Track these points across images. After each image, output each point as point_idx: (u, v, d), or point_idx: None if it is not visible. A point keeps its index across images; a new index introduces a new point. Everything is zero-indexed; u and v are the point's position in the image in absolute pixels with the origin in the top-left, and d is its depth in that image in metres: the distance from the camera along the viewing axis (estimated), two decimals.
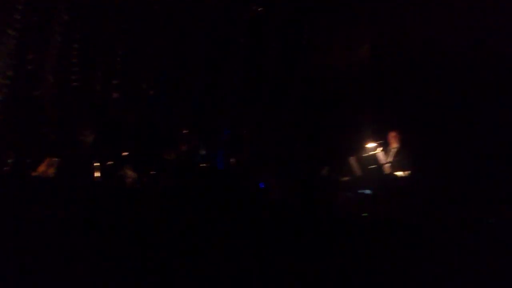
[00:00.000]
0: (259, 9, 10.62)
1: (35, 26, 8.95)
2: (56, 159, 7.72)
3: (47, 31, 9.12)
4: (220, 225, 5.14)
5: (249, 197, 7.06)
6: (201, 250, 4.62)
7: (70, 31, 9.27)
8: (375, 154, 7.94)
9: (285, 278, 4.34)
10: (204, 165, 8.79)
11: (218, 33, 10.36)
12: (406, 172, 7.59)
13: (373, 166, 7.81)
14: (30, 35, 8.86)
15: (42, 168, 7.65)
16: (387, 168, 7.78)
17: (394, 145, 7.92)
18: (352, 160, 8.14)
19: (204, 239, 4.76)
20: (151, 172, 8.26)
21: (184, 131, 8.92)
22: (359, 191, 7.83)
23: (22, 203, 5.12)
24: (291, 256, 4.72)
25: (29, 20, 8.82)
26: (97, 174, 7.71)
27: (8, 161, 7.60)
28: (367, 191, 7.74)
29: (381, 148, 7.95)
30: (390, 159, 7.82)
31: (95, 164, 7.74)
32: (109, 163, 8.13)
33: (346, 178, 8.31)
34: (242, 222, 5.47)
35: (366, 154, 8.07)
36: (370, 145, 8.18)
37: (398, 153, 7.82)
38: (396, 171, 7.69)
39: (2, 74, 8.64)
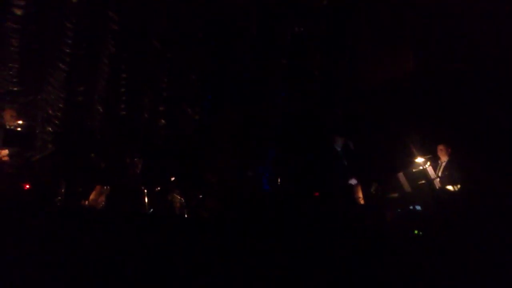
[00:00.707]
0: (300, 26, 10.64)
1: (83, 58, 9.29)
2: (106, 187, 7.94)
3: (95, 63, 9.45)
4: (267, 247, 5.13)
5: (295, 218, 6.99)
6: (251, 272, 4.61)
7: (117, 62, 9.57)
8: (424, 169, 7.75)
9: None
10: (251, 187, 8.81)
11: (260, 51, 10.43)
12: (457, 186, 7.35)
13: (423, 182, 7.60)
14: (79, 68, 9.20)
15: (92, 196, 7.88)
16: (437, 183, 7.56)
17: (444, 159, 7.70)
18: (401, 176, 7.96)
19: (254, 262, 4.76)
20: (199, 196, 8.34)
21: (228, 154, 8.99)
22: (410, 208, 7.64)
23: (74, 232, 5.27)
24: (344, 276, 4.65)
25: (77, 53, 9.18)
26: (146, 200, 7.86)
27: (61, 190, 7.86)
28: (418, 207, 7.54)
29: (430, 163, 7.75)
30: (439, 173, 7.61)
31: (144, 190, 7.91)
32: (157, 189, 8.29)
33: (395, 195, 8.13)
34: (289, 242, 5.43)
35: (415, 169, 7.88)
36: (419, 159, 7.99)
37: (447, 167, 7.60)
38: (447, 185, 7.46)
39: (53, 106, 9.00)
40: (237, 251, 4.91)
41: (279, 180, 9.16)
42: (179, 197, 8.22)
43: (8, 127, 7.99)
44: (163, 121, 9.90)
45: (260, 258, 4.81)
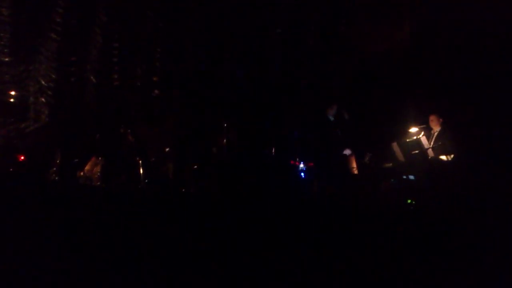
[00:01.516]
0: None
1: (76, 28, 9.17)
2: (101, 158, 7.95)
3: (87, 33, 9.33)
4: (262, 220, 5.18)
5: (290, 191, 7.05)
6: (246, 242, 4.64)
7: (109, 32, 9.45)
8: (418, 138, 7.76)
9: (335, 267, 4.30)
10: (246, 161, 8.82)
11: (256, 25, 10.33)
12: (450, 156, 7.39)
13: (416, 151, 7.63)
14: (71, 38, 9.09)
15: (88, 167, 7.90)
16: (430, 152, 7.58)
17: (436, 129, 7.72)
18: (395, 146, 7.98)
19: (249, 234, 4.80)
20: (194, 167, 8.35)
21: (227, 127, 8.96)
22: (403, 177, 7.68)
23: (68, 201, 5.30)
24: (338, 245, 4.69)
25: (69, 24, 9.05)
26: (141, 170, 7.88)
27: (56, 161, 7.87)
28: (411, 177, 7.58)
29: (423, 132, 7.77)
30: (432, 143, 7.63)
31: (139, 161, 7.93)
32: (152, 159, 8.31)
33: (389, 165, 8.16)
34: (284, 214, 5.48)
35: (409, 139, 7.90)
36: (413, 129, 8.00)
37: (440, 137, 7.62)
38: (440, 155, 7.49)
39: (45, 77, 8.93)
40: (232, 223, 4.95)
41: (273, 150, 9.18)
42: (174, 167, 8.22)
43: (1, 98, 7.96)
44: (156, 91, 9.83)
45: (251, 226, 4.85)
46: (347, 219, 5.55)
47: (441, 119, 7.71)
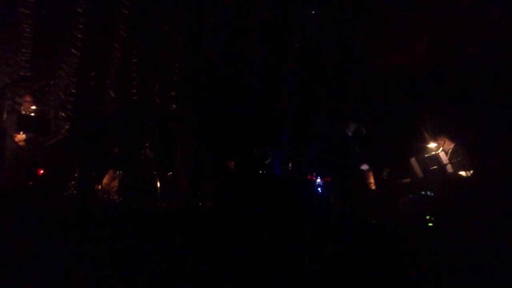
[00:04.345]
0: (314, 12, 10.59)
1: (95, 44, 9.31)
2: (119, 172, 8.01)
3: (107, 48, 9.46)
4: (278, 230, 5.16)
5: (306, 203, 7.00)
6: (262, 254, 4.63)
7: (128, 47, 9.57)
8: (437, 154, 7.69)
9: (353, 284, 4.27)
10: (263, 171, 8.82)
11: (271, 34, 10.40)
12: (469, 172, 7.30)
13: (435, 167, 7.55)
14: (91, 53, 9.22)
15: (105, 181, 7.95)
16: (449, 168, 7.50)
17: (456, 144, 7.64)
18: (413, 161, 7.91)
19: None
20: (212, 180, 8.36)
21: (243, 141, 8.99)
22: (422, 193, 7.60)
23: (86, 215, 5.34)
24: (355, 261, 4.65)
25: (89, 39, 9.19)
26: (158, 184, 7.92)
27: (74, 175, 7.95)
28: (429, 193, 7.50)
29: (442, 148, 7.69)
30: (452, 158, 7.54)
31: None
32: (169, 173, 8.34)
33: (407, 180, 8.09)
34: (300, 226, 5.45)
35: (428, 155, 7.83)
36: (431, 145, 7.93)
37: (459, 152, 7.53)
38: (459, 170, 7.41)
39: (66, 91, 9.06)
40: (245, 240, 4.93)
41: (290, 165, 9.17)
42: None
43: (22, 112, 8.08)
44: (174, 105, 9.91)
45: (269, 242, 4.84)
46: (365, 235, 5.51)
47: (461, 134, 7.65)
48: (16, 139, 7.76)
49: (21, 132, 7.79)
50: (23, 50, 8.79)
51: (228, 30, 10.16)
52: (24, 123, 7.89)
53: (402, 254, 4.81)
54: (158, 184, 7.84)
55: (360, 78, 10.35)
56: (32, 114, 8.06)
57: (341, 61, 10.70)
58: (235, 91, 9.87)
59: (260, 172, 8.80)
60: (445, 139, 7.66)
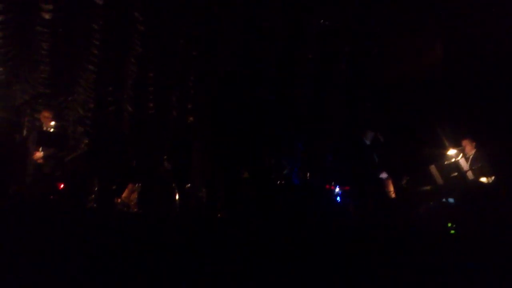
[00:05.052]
0: (328, 17, 10.61)
1: (111, 59, 9.41)
2: (138, 184, 8.05)
3: (123, 64, 9.56)
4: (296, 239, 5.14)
5: (325, 212, 6.98)
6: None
7: (144, 62, 9.66)
8: (457, 161, 7.62)
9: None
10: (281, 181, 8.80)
11: (284, 45, 10.43)
12: (491, 178, 7.21)
13: (455, 174, 7.48)
14: (107, 69, 9.32)
15: (125, 194, 8.00)
16: (470, 174, 7.42)
17: (470, 152, 7.57)
18: (433, 169, 7.84)
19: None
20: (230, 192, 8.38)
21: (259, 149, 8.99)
22: (442, 200, 7.53)
23: (107, 228, 5.37)
24: (375, 269, 4.61)
25: (105, 55, 9.30)
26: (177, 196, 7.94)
27: (94, 189, 8.01)
28: (451, 200, 7.42)
29: (462, 155, 7.62)
30: (472, 165, 7.46)
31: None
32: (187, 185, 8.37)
33: (427, 188, 8.02)
34: (318, 236, 5.43)
35: (448, 162, 7.76)
36: (451, 151, 7.86)
37: (480, 159, 7.45)
38: (480, 177, 7.32)
39: (84, 106, 9.16)
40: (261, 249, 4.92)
41: (308, 175, 9.14)
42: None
43: (42, 128, 8.20)
44: (191, 118, 9.96)
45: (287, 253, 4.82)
46: (385, 243, 5.46)
47: (474, 143, 7.58)
48: (35, 157, 7.88)
49: (40, 149, 7.90)
50: (41, 67, 8.92)
51: (242, 41, 10.21)
52: (43, 139, 8.00)
53: (423, 262, 4.76)
54: (177, 196, 7.86)
55: (377, 86, 10.31)
56: (52, 130, 8.16)
57: (357, 69, 10.68)
58: (251, 102, 9.89)
59: (278, 182, 8.78)
60: (466, 144, 7.59)
